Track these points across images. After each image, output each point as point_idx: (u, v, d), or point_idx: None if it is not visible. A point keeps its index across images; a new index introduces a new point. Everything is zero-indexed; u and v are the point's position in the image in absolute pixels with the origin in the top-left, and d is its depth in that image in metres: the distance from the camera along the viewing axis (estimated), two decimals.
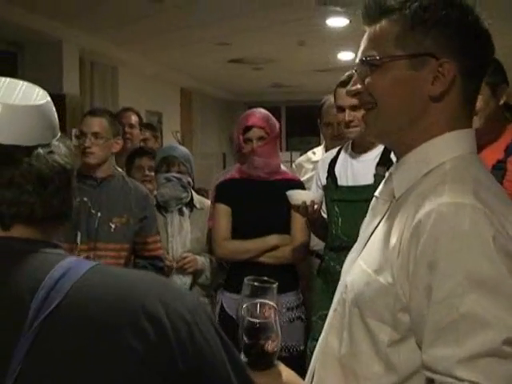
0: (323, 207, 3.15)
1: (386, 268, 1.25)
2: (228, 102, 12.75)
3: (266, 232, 3.26)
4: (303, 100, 11.08)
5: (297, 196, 3.05)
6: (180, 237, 3.52)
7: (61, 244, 1.12)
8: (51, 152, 1.09)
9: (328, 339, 1.42)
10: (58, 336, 0.94)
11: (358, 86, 1.36)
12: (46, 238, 1.10)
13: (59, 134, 1.16)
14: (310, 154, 4.39)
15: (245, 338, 1.39)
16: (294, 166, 4.60)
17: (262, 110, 3.39)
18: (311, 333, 3.18)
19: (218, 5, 5.55)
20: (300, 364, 3.21)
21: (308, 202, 2.98)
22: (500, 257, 1.12)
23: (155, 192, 3.77)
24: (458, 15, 1.29)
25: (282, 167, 3.50)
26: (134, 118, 4.86)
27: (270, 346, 1.39)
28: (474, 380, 1.08)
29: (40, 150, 1.07)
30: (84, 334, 0.94)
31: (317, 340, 3.11)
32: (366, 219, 1.48)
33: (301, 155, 4.80)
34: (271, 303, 1.45)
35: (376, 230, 1.36)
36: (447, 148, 1.30)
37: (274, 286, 1.49)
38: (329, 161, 3.21)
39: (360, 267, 1.34)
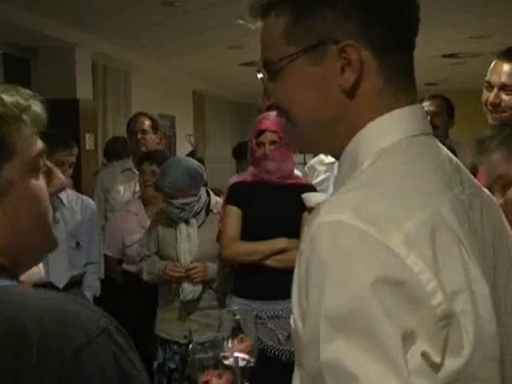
0: None
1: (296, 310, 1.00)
2: (241, 104, 12.76)
3: (276, 235, 3.25)
4: None
5: (312, 198, 3.05)
6: (189, 244, 3.53)
7: None
8: None
9: None
10: None
11: (267, 100, 1.15)
12: None
13: None
14: (322, 155, 4.37)
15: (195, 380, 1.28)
16: (306, 168, 4.60)
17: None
18: None
19: (229, 8, 5.55)
20: None
21: None
22: (372, 287, 0.85)
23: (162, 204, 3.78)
24: None
25: (296, 172, 3.50)
26: (147, 123, 4.84)
27: (215, 382, 1.28)
28: None
29: None
30: None
31: None
32: None
33: (313, 157, 4.79)
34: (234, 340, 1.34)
35: None
36: (369, 143, 1.05)
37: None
38: None
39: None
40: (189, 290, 3.47)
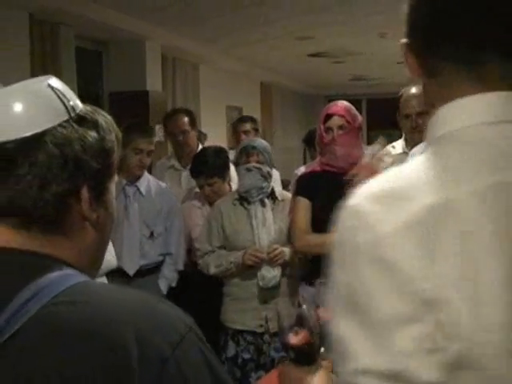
0: None
1: None
2: (308, 95, 12.73)
3: None
4: (384, 92, 10.93)
5: None
6: (265, 228, 3.53)
7: (57, 255, 1.02)
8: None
9: None
10: (15, 360, 0.90)
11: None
12: (37, 246, 1.01)
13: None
14: (389, 147, 4.33)
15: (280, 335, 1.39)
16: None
17: (344, 102, 3.41)
18: None
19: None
20: None
21: None
22: (370, 269, 0.90)
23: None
24: None
25: None
26: (185, 121, 4.70)
27: (293, 339, 1.36)
28: None
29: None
30: (40, 359, 0.90)
31: None
32: None
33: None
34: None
35: None
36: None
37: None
38: (417, 154, 3.19)
39: None
40: (269, 277, 3.47)
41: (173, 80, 7.25)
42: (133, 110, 5.78)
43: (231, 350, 3.55)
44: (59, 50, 5.22)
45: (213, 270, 3.61)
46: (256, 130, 5.45)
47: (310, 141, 6.07)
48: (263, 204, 3.56)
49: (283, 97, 11.38)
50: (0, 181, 0.99)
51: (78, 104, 1.07)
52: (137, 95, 6.06)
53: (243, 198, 3.59)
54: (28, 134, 0.99)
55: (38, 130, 1.00)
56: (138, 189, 3.96)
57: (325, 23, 6.38)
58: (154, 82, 6.44)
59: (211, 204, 4.11)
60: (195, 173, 4.08)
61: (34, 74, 4.97)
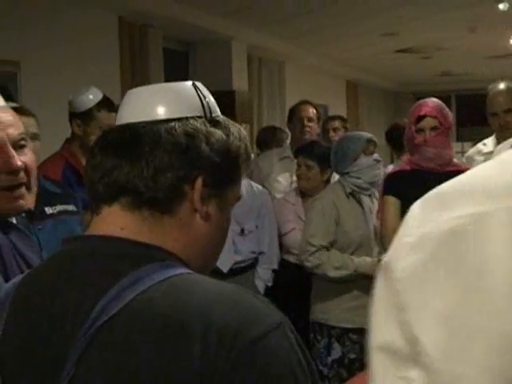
0: None
1: None
2: (395, 92, 12.55)
3: None
4: (474, 88, 10.65)
5: None
6: (377, 221, 3.50)
7: (159, 245, 1.04)
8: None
9: None
10: (109, 344, 0.94)
11: None
12: (137, 234, 1.03)
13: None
14: (480, 145, 4.23)
15: None
16: (464, 159, 4.46)
17: (435, 100, 3.32)
18: None
19: None
20: None
21: None
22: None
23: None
24: None
25: (455, 160, 3.40)
26: (312, 111, 4.84)
27: None
28: None
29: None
30: (134, 346, 0.93)
31: None
32: None
33: (472, 146, 4.66)
34: None
35: None
36: None
37: None
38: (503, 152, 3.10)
39: None
40: None
41: (258, 79, 7.28)
42: (220, 110, 5.80)
43: (337, 352, 3.47)
44: (147, 52, 5.32)
45: (332, 273, 3.46)
46: (345, 128, 5.44)
47: (392, 139, 5.92)
48: (375, 197, 3.55)
49: (369, 94, 11.27)
50: (123, 158, 1.03)
51: (217, 110, 1.15)
52: (223, 95, 6.08)
53: (356, 191, 3.54)
54: (158, 118, 1.05)
55: (170, 116, 1.05)
56: None
57: (411, 18, 6.28)
58: (240, 82, 6.48)
59: (303, 197, 4.07)
60: (299, 150, 4.07)
61: (123, 75, 5.08)
